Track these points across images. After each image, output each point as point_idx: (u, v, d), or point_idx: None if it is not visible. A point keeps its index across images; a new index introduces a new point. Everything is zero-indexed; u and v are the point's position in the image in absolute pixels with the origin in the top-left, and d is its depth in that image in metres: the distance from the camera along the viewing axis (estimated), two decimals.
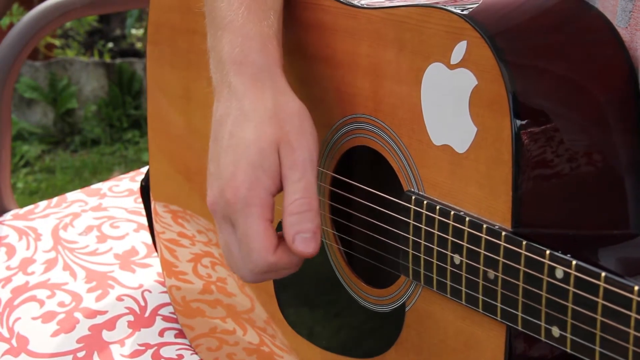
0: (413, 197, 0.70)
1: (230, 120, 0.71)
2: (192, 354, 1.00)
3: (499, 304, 0.64)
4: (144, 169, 1.27)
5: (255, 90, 0.71)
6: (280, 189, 0.70)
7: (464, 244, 0.66)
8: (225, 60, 0.73)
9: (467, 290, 0.66)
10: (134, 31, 3.33)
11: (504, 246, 0.63)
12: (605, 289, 0.57)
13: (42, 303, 1.06)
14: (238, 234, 0.69)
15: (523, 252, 0.62)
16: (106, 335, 1.01)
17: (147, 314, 1.04)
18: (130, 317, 1.04)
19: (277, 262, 0.69)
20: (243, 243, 0.69)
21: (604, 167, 0.65)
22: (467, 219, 0.65)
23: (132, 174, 1.34)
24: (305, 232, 0.68)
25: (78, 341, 1.01)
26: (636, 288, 0.55)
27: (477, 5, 0.66)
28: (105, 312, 1.04)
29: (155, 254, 1.12)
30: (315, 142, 0.70)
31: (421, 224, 0.69)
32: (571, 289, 0.59)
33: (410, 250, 0.70)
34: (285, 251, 0.69)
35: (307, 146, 0.69)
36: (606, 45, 0.67)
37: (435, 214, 0.68)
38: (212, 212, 0.72)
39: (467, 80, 0.65)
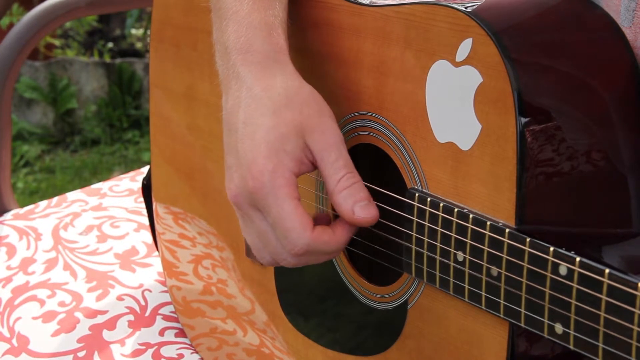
0: (417, 195, 0.70)
1: (242, 110, 0.71)
2: (192, 353, 1.00)
3: (502, 301, 0.64)
4: (144, 169, 1.27)
5: (265, 78, 0.71)
6: (301, 172, 0.70)
7: (468, 241, 0.66)
8: (230, 50, 0.73)
9: (470, 287, 0.66)
10: (134, 31, 3.33)
11: (508, 243, 0.63)
12: (609, 285, 0.57)
13: (42, 303, 1.06)
14: (271, 218, 0.69)
15: (527, 249, 0.62)
16: (106, 334, 1.01)
17: (147, 314, 1.04)
18: (131, 317, 1.03)
19: (316, 239, 0.69)
20: (278, 225, 0.69)
21: (608, 165, 0.65)
22: (471, 216, 0.65)
23: (132, 173, 1.34)
24: (362, 201, 0.69)
25: (78, 341, 1.01)
26: None
27: (482, 2, 0.67)
28: (105, 312, 1.04)
29: (156, 253, 1.12)
30: (336, 123, 0.71)
31: (424, 221, 0.69)
32: (575, 285, 0.59)
33: (414, 247, 0.70)
34: (323, 230, 0.69)
35: (333, 127, 0.70)
36: (610, 44, 0.67)
37: (438, 211, 0.68)
38: (236, 204, 0.71)
39: (472, 77, 0.65)
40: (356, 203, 0.69)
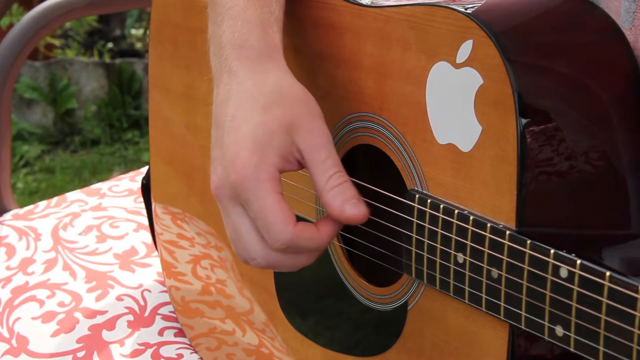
0: (417, 196, 0.70)
1: (231, 103, 0.71)
2: (191, 353, 1.00)
3: (502, 303, 0.64)
4: (144, 169, 1.27)
5: (258, 73, 0.71)
6: (285, 169, 0.69)
7: (468, 242, 0.66)
8: (225, 45, 0.72)
9: (471, 289, 0.66)
10: (133, 31, 3.33)
11: (508, 245, 0.63)
12: (609, 288, 0.57)
13: (42, 303, 1.06)
14: (252, 212, 0.68)
15: (527, 251, 0.61)
16: (106, 335, 1.01)
17: (146, 314, 1.04)
18: (130, 317, 1.03)
19: (299, 234, 0.68)
20: (259, 220, 0.68)
21: (608, 167, 0.65)
22: (471, 217, 0.65)
23: (132, 174, 1.34)
24: (351, 199, 0.68)
25: (78, 341, 1.01)
26: None
27: (482, 3, 0.66)
28: (105, 312, 1.04)
29: (156, 253, 1.12)
30: (324, 123, 0.71)
31: (425, 222, 0.69)
32: (575, 288, 0.59)
33: (414, 249, 0.70)
34: (306, 225, 0.68)
35: (322, 127, 0.70)
36: (611, 46, 0.67)
37: (439, 213, 0.68)
38: (217, 196, 0.71)
39: (472, 79, 0.65)
40: (346, 201, 0.68)
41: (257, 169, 0.68)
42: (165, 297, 1.06)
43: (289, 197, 0.82)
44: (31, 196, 2.75)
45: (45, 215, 1.22)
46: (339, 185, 0.68)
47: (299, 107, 0.70)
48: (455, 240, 0.67)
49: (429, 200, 0.69)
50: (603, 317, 0.57)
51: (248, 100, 0.70)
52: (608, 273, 0.57)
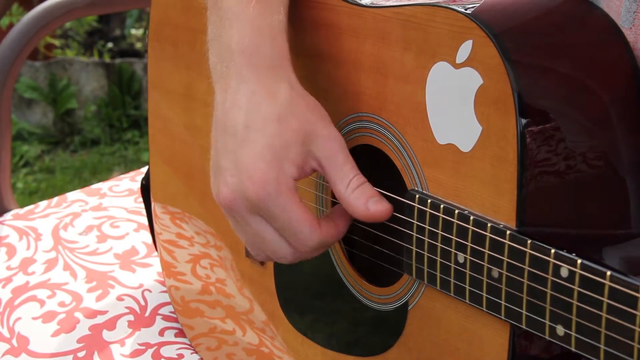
0: (417, 196, 0.70)
1: (243, 112, 0.71)
2: (192, 353, 1.00)
3: (503, 303, 0.64)
4: (144, 169, 1.27)
5: (270, 83, 0.71)
6: (300, 177, 0.71)
7: (468, 242, 0.66)
8: (233, 51, 0.72)
9: (471, 289, 0.66)
10: (133, 31, 3.33)
11: (509, 245, 0.63)
12: (610, 287, 0.57)
13: (42, 303, 1.06)
14: (278, 224, 0.70)
15: (528, 250, 0.62)
16: (106, 335, 1.01)
17: (147, 314, 1.04)
18: (131, 317, 1.03)
19: (325, 234, 0.71)
20: (287, 230, 0.70)
21: (608, 166, 0.65)
22: (472, 217, 0.65)
23: (132, 174, 1.34)
24: (373, 196, 0.71)
25: (78, 341, 1.01)
26: None
27: (482, 4, 0.66)
28: (105, 312, 1.04)
29: (156, 253, 1.12)
30: (334, 127, 0.72)
31: (425, 222, 0.69)
32: (576, 287, 0.59)
33: (414, 249, 0.70)
34: (327, 224, 0.72)
35: (335, 133, 0.71)
36: (611, 45, 0.67)
37: (439, 213, 0.68)
38: (231, 208, 0.71)
39: (472, 79, 0.65)
40: (369, 199, 0.70)
41: (278, 183, 0.69)
42: (166, 297, 1.06)
43: None
44: (31, 196, 2.75)
45: (45, 215, 1.22)
46: (360, 187, 0.70)
47: (311, 116, 0.71)
48: (456, 240, 0.67)
49: (429, 201, 0.69)
50: (604, 315, 0.57)
51: (262, 110, 0.70)
52: (609, 272, 0.57)
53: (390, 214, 0.71)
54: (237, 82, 0.72)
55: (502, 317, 0.64)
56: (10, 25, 2.87)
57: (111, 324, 1.03)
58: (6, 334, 1.02)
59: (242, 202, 0.70)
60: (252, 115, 0.70)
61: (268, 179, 0.69)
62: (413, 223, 0.70)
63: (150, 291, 1.07)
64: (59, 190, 2.74)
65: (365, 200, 0.70)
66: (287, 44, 0.74)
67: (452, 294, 0.68)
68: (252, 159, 0.69)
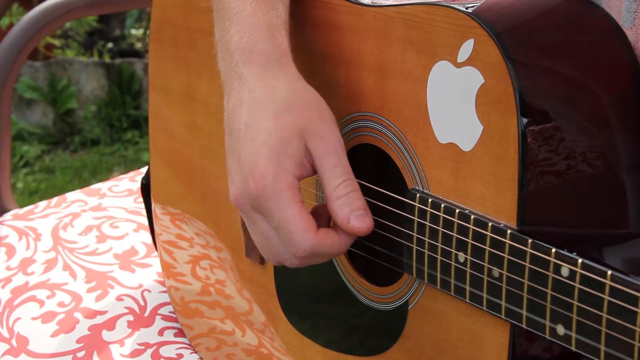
0: (417, 195, 0.70)
1: (244, 111, 0.71)
2: (191, 353, 1.00)
3: (503, 302, 0.64)
4: (144, 169, 1.27)
5: (268, 79, 0.71)
6: (302, 175, 0.70)
7: (469, 242, 0.65)
8: (233, 51, 0.72)
9: (471, 289, 0.66)
10: (133, 31, 3.33)
11: (510, 244, 0.63)
12: (611, 287, 0.57)
13: (42, 303, 1.06)
14: (274, 222, 0.69)
15: (529, 250, 0.61)
16: (106, 335, 1.01)
17: (146, 314, 1.04)
18: (130, 317, 1.03)
19: (320, 242, 0.69)
20: (282, 229, 0.69)
21: (609, 166, 0.65)
22: (472, 217, 0.65)
23: (131, 174, 1.34)
24: (358, 210, 0.68)
25: (78, 341, 1.01)
26: None
27: (483, 3, 0.66)
28: (105, 312, 1.04)
29: (155, 253, 1.12)
30: (337, 126, 0.71)
31: (425, 221, 0.69)
32: (577, 286, 0.59)
33: (414, 248, 0.70)
34: (327, 232, 0.69)
35: (334, 132, 0.70)
36: (612, 45, 0.67)
37: (439, 212, 0.68)
38: (238, 206, 0.71)
39: (473, 78, 0.65)
40: (352, 212, 0.68)
41: (275, 178, 0.68)
42: (165, 297, 1.06)
43: None
44: (31, 196, 2.75)
45: (45, 215, 1.22)
46: (347, 195, 0.69)
47: (309, 112, 0.70)
48: (456, 239, 0.67)
49: (430, 200, 0.69)
50: (605, 315, 0.57)
51: (260, 108, 0.70)
52: (609, 272, 0.57)
53: (370, 231, 0.69)
54: (238, 82, 0.72)
55: (503, 317, 0.64)
56: (10, 25, 2.87)
57: (111, 324, 1.03)
58: (6, 334, 1.02)
59: (247, 200, 0.70)
60: (251, 113, 0.70)
61: (266, 174, 0.68)
62: (414, 222, 0.70)
63: (149, 291, 1.07)
64: (59, 190, 2.74)
65: (348, 212, 0.68)
66: (287, 38, 0.73)
67: (452, 294, 0.68)
68: (252, 156, 0.69)
